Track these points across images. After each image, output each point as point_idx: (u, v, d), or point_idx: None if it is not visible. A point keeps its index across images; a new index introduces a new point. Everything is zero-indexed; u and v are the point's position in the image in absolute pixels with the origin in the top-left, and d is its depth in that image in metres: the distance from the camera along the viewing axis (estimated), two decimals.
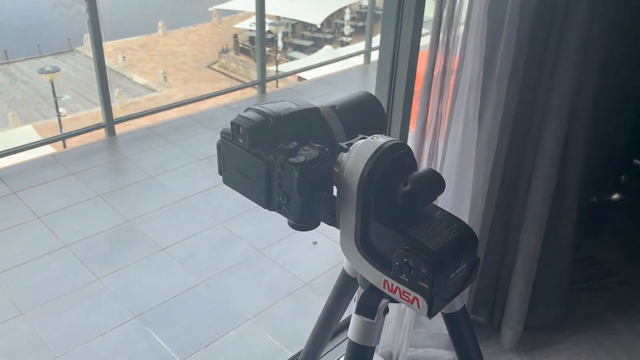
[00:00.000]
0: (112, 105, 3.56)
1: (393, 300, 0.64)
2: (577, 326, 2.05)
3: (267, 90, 4.20)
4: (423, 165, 1.63)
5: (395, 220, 0.60)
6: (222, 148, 0.66)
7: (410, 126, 2.36)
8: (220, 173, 0.69)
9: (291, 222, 0.66)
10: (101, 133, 3.45)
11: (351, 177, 0.60)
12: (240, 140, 0.62)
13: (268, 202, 0.64)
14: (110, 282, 2.30)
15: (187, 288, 2.28)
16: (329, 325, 0.81)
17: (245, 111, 0.64)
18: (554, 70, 1.66)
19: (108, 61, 3.34)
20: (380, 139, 0.61)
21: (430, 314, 0.58)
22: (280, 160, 0.60)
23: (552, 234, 1.96)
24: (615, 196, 2.85)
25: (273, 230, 2.65)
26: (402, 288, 0.60)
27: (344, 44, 17.04)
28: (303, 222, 0.62)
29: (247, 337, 2.07)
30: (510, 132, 1.71)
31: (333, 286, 0.78)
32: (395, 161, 0.60)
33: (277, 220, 2.46)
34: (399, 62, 1.62)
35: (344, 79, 4.53)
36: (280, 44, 15.57)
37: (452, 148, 1.61)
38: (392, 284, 0.61)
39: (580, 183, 1.98)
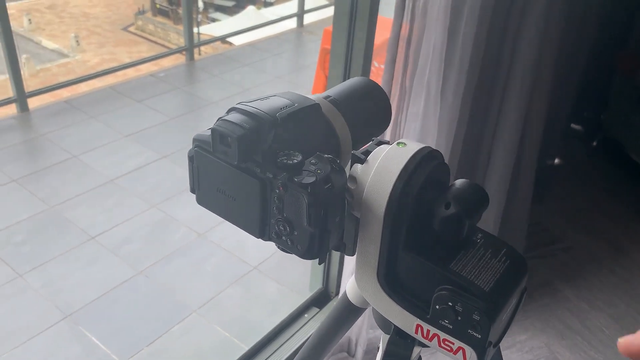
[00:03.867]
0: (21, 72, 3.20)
1: (424, 345, 0.51)
2: (529, 295, 2.04)
3: (196, 56, 3.93)
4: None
5: (432, 250, 0.47)
6: (197, 161, 0.50)
7: None
8: (192, 191, 0.53)
9: (279, 246, 0.51)
10: (12, 108, 3.09)
11: (375, 199, 0.46)
12: (225, 152, 0.47)
13: (262, 231, 0.49)
14: (33, 279, 2.06)
15: (123, 280, 2.08)
16: (320, 356, 0.67)
17: (229, 113, 0.48)
18: (517, 41, 1.57)
19: (12, 24, 2.95)
20: (409, 146, 0.48)
21: None
22: (282, 179, 0.45)
23: (510, 208, 1.92)
24: (557, 161, 2.89)
25: None
26: (443, 336, 0.47)
27: (267, 4, 16.55)
28: (311, 256, 0.48)
29: (194, 330, 1.92)
30: (471, 106, 1.62)
31: (329, 314, 0.65)
32: (431, 176, 0.46)
33: None
34: (356, 27, 1.47)
35: (278, 44, 4.32)
36: (200, 4, 14.90)
37: (413, 124, 1.50)
38: (429, 331, 0.48)
39: (536, 158, 1.94)
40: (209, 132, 0.49)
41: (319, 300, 1.96)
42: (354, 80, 0.60)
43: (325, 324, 0.65)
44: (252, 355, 1.76)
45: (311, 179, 0.44)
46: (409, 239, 0.47)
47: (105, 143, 2.90)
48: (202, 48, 4.78)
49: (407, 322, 0.49)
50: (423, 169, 0.46)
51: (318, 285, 1.97)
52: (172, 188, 2.60)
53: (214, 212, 0.52)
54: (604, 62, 2.73)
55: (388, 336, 0.52)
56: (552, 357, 1.86)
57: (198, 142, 0.50)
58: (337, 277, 1.94)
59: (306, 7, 4.51)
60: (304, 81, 3.77)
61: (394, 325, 0.51)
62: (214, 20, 15.67)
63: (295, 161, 0.46)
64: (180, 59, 3.92)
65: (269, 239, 0.50)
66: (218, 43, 5.02)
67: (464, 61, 1.47)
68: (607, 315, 2.03)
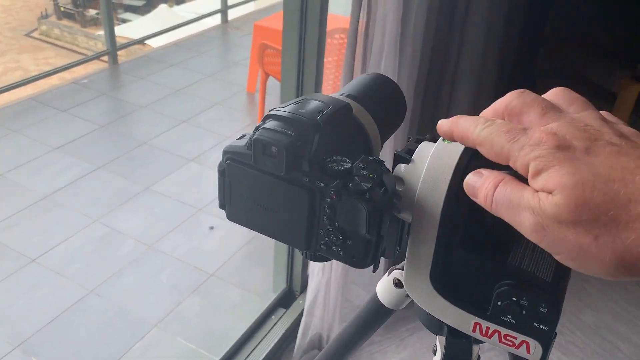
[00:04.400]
0: None
1: (480, 342, 0.50)
2: None
3: (120, 59, 3.75)
4: None
5: (487, 246, 0.46)
6: (230, 174, 0.47)
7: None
8: (221, 207, 0.49)
9: (310, 254, 0.49)
10: None
11: (430, 199, 0.45)
12: (270, 163, 0.43)
13: (308, 243, 0.46)
14: None
15: (74, 302, 1.96)
16: (345, 356, 0.66)
17: (266, 121, 0.45)
18: (465, 27, 1.60)
19: None
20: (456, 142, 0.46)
21: (545, 359, 0.46)
22: (335, 187, 0.42)
23: None
24: None
25: (160, 220, 2.38)
26: (505, 332, 0.46)
27: (179, 1, 16.12)
28: (367, 264, 0.45)
29: (157, 346, 1.84)
30: (424, 95, 1.64)
31: (358, 316, 0.63)
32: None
33: (163, 208, 2.21)
34: (307, 20, 1.45)
35: (204, 41, 4.20)
36: None
37: None
38: (489, 328, 0.47)
39: None
40: (242, 143, 0.46)
41: (285, 300, 1.93)
42: (368, 77, 0.58)
43: (354, 325, 0.63)
44: None
45: (367, 185, 0.42)
46: (464, 237, 0.46)
47: (34, 158, 2.71)
48: (124, 52, 4.57)
49: (463, 321, 0.48)
50: (475, 164, 0.45)
51: (282, 286, 1.94)
52: (113, 199, 2.47)
53: (249, 227, 0.49)
54: (530, 42, 2.86)
55: (443, 337, 0.50)
56: None
57: (230, 154, 0.46)
58: (301, 275, 1.91)
59: (228, 2, 4.41)
60: (236, 78, 3.69)
61: (447, 325, 0.50)
62: (124, 21, 15.10)
63: (346, 167, 0.43)
64: (101, 64, 3.73)
65: (315, 251, 0.47)
66: (137, 45, 4.82)
67: (416, 50, 1.48)
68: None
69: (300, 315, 1.85)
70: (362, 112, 0.51)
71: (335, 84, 2.13)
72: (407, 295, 0.59)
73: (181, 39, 4.23)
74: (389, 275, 0.59)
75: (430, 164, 0.45)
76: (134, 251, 2.20)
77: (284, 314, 1.89)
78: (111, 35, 3.59)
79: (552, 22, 2.98)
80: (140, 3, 16.61)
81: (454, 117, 0.42)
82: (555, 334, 0.45)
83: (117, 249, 2.22)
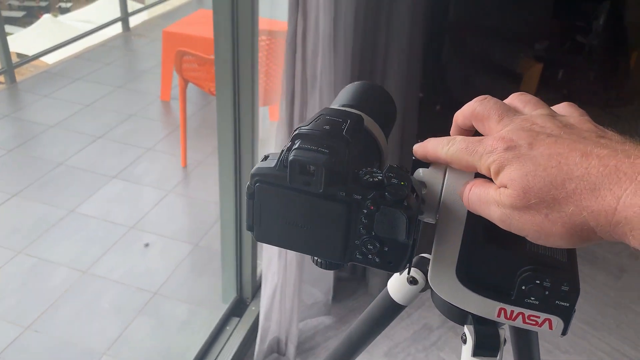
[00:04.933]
0: None
1: (500, 325, 0.54)
2: None
3: (17, 77, 3.51)
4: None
5: (506, 237, 0.49)
6: (260, 196, 0.47)
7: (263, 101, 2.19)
8: (249, 229, 0.49)
9: (321, 261, 0.51)
10: None
11: (456, 200, 0.47)
12: (307, 182, 0.44)
13: (343, 254, 0.48)
14: None
15: (9, 342, 1.83)
16: (355, 352, 0.68)
17: (295, 141, 0.45)
18: (390, 22, 1.66)
19: None
20: None
21: (566, 332, 0.50)
22: (372, 198, 0.44)
23: None
24: None
25: (91, 243, 2.27)
26: (529, 313, 0.50)
27: (63, 10, 15.28)
28: (403, 268, 0.47)
29: None
30: None
31: (369, 312, 0.65)
32: None
33: (92, 230, 2.13)
34: (240, 23, 1.44)
35: (107, 52, 4.01)
36: None
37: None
38: (513, 311, 0.50)
39: (415, 132, 2.07)
40: (270, 164, 0.46)
41: (237, 309, 1.92)
42: (359, 86, 0.60)
43: (365, 321, 0.65)
44: None
45: (404, 194, 0.44)
46: (486, 232, 0.49)
47: None
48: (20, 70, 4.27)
49: (488, 309, 0.51)
50: None
51: (232, 295, 1.92)
52: (35, 228, 2.32)
53: (279, 245, 0.49)
54: (438, 32, 2.99)
55: (470, 326, 0.53)
56: None
57: (260, 176, 0.46)
58: (251, 282, 1.90)
59: (130, 9, 4.25)
60: (148, 87, 3.57)
61: (471, 314, 0.53)
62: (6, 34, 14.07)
63: (380, 178, 0.45)
64: None
65: (350, 261, 0.48)
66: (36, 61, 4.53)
67: (347, 48, 1.52)
68: None
69: (255, 321, 1.84)
70: (370, 121, 0.53)
71: (267, 86, 2.12)
72: (421, 291, 0.62)
73: (81, 50, 4.03)
74: (401, 273, 0.61)
75: (450, 168, 0.48)
76: (68, 279, 2.09)
77: (238, 322, 1.87)
78: (5, 51, 3.34)
79: (455, 9, 3.14)
80: (20, 14, 15.58)
81: (424, 141, 0.49)
82: (575, 309, 0.50)
83: (49, 279, 2.09)
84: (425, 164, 0.50)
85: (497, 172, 0.41)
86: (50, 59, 4.14)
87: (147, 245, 2.29)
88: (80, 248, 2.24)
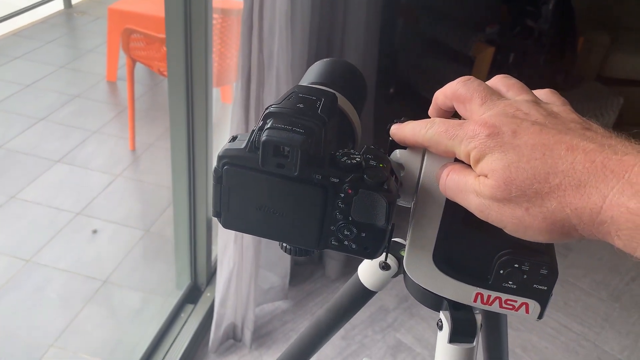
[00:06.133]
0: None
1: (476, 311, 0.53)
2: None
3: None
4: (252, 124, 1.46)
5: (485, 220, 0.48)
6: (228, 180, 0.43)
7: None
8: (216, 215, 0.46)
9: (290, 247, 0.48)
10: None
11: (435, 182, 0.45)
12: (280, 164, 0.41)
13: (318, 241, 0.45)
14: None
15: None
16: (324, 339, 0.66)
17: (268, 120, 0.42)
18: (347, 4, 1.63)
19: None
20: None
21: (542, 316, 0.50)
22: (351, 181, 0.42)
23: None
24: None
25: (35, 230, 2.17)
26: (506, 297, 0.49)
27: None
28: (380, 254, 0.45)
29: None
30: None
31: (339, 298, 0.63)
32: None
33: (36, 217, 2.04)
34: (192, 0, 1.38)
35: (49, 29, 3.80)
36: None
37: (270, 97, 1.48)
38: (490, 296, 0.49)
39: (372, 114, 2.06)
40: (239, 145, 0.43)
41: (191, 295, 1.87)
42: (328, 63, 0.57)
43: (334, 307, 0.63)
44: None
45: (384, 177, 0.42)
46: (465, 215, 0.47)
47: None
48: None
49: (464, 293, 0.50)
50: None
51: (187, 282, 1.87)
52: None
53: (249, 232, 0.46)
54: (390, 14, 2.98)
55: (447, 312, 0.52)
56: None
57: (229, 158, 0.43)
58: (206, 269, 1.86)
59: None
60: (92, 67, 3.42)
61: (447, 300, 0.52)
62: None
63: (358, 160, 0.42)
64: None
65: (325, 247, 0.46)
66: None
67: (304, 27, 1.48)
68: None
69: (211, 308, 1.80)
70: (342, 100, 0.51)
71: (220, 67, 2.06)
72: (393, 277, 0.60)
73: (19, 27, 3.81)
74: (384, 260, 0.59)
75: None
76: (11, 268, 1.98)
77: (192, 310, 1.83)
78: None
79: None
80: None
81: (402, 124, 0.46)
82: (552, 292, 0.49)
83: None
84: (402, 146, 0.48)
85: (478, 160, 0.39)
86: None
87: (95, 231, 2.20)
88: (23, 236, 2.13)
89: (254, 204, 0.44)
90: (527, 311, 0.49)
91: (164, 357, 1.67)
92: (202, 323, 1.79)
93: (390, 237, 0.45)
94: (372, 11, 1.71)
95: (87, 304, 1.89)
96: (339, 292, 0.63)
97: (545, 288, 0.48)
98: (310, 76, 0.55)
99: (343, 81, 0.54)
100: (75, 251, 2.10)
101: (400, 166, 0.47)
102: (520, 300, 0.49)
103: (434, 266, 0.49)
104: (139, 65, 2.58)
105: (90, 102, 3.09)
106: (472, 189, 0.40)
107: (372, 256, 0.45)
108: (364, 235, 0.44)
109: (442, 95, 0.45)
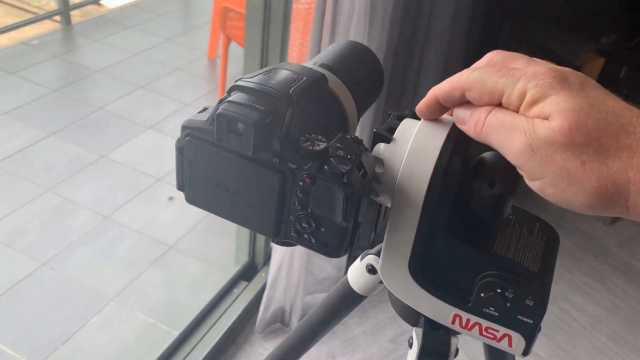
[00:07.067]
0: None
1: (456, 334, 0.47)
2: None
3: (73, 20, 3.56)
4: None
5: (472, 233, 0.43)
6: (190, 152, 0.42)
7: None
8: (179, 188, 0.44)
9: (276, 240, 0.45)
10: None
11: (413, 183, 0.41)
12: (235, 141, 0.38)
13: (276, 230, 0.42)
14: None
15: (25, 275, 1.88)
16: (310, 342, 0.62)
17: (231, 93, 0.40)
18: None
19: None
20: (444, 119, 0.42)
21: (527, 352, 0.43)
22: (309, 170, 0.38)
23: None
24: None
25: (117, 190, 2.30)
26: (486, 324, 0.43)
27: None
28: (342, 253, 0.42)
29: (114, 320, 1.78)
30: (393, 64, 1.60)
31: (327, 300, 0.59)
32: (473, 152, 0.42)
33: (120, 177, 2.12)
34: None
35: (163, 3, 4.00)
36: None
37: None
38: (469, 320, 0.44)
39: None
40: (204, 117, 0.41)
41: (247, 273, 1.89)
42: (344, 45, 0.53)
43: (323, 309, 0.60)
44: (183, 340, 1.68)
45: (345, 168, 0.38)
46: (448, 223, 0.42)
47: None
48: (78, 13, 4.34)
49: (442, 313, 0.45)
50: (462, 148, 0.41)
51: (244, 259, 1.90)
52: (66, 168, 2.36)
53: (211, 211, 0.44)
54: (496, 14, 2.83)
55: (420, 329, 0.47)
56: None
57: (190, 129, 0.41)
58: (264, 248, 1.88)
59: None
60: (196, 43, 3.56)
61: (424, 317, 0.47)
62: None
63: (322, 147, 0.39)
64: (53, 25, 3.53)
65: (285, 238, 0.43)
66: (92, 5, 4.58)
67: (386, 16, 1.43)
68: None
69: (263, 288, 1.81)
70: (338, 84, 0.47)
71: (301, 52, 2.05)
72: (381, 282, 0.56)
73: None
74: (362, 260, 0.55)
75: (414, 144, 0.41)
76: (89, 223, 2.12)
77: (246, 287, 1.85)
78: None
79: None
80: None
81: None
82: (540, 327, 0.43)
83: (71, 220, 2.13)
84: (387, 139, 0.43)
85: (537, 100, 0.34)
86: (111, 4, 4.16)
87: (171, 199, 2.29)
88: (106, 193, 2.27)
89: (214, 181, 0.42)
90: (510, 344, 0.44)
91: (210, 328, 1.71)
92: (252, 302, 1.81)
93: (354, 236, 0.41)
94: (462, 7, 1.62)
95: (151, 265, 1.97)
96: (330, 292, 0.59)
97: (531, 321, 0.42)
98: (319, 56, 0.52)
99: (351, 66, 0.50)
100: (150, 215, 2.20)
101: (381, 161, 0.43)
102: (503, 330, 0.43)
103: (410, 276, 0.45)
104: (236, 45, 2.64)
105: (189, 75, 3.21)
106: (521, 127, 0.34)
107: (333, 254, 0.42)
108: (323, 230, 0.40)
109: (455, 83, 0.38)
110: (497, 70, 0.37)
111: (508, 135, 0.35)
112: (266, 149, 0.39)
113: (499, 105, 0.37)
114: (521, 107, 0.35)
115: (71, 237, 2.04)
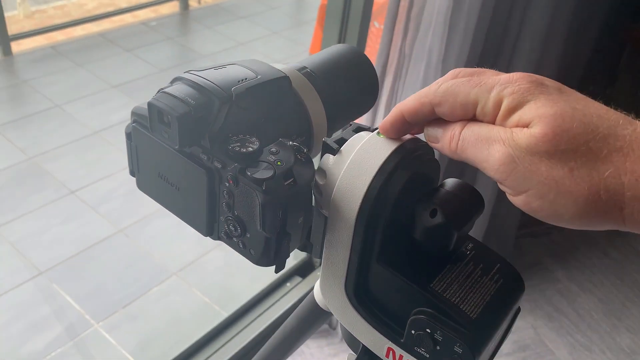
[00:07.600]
0: (15, 13, 3.06)
1: None
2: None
3: (190, 5, 3.77)
4: (379, 114, 1.42)
5: (411, 264, 0.39)
6: (136, 139, 0.42)
7: None
8: (131, 174, 0.45)
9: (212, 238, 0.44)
10: None
11: (345, 200, 0.38)
12: (165, 133, 0.38)
13: (210, 229, 0.41)
14: (8, 233, 1.99)
15: (102, 239, 2.01)
16: (283, 357, 0.61)
17: (173, 83, 0.39)
18: (527, 10, 1.46)
19: None
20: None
21: None
22: (232, 171, 0.37)
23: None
24: None
25: None
26: None
27: None
28: (267, 263, 0.40)
29: (173, 293, 1.87)
30: None
31: (295, 315, 0.57)
32: (416, 174, 0.38)
33: None
34: None
35: None
36: None
37: (410, 92, 1.40)
38: (402, 356, 0.40)
39: None
40: None
41: (303, 269, 1.90)
42: (335, 48, 0.51)
43: (290, 325, 0.58)
44: (231, 323, 1.71)
45: (268, 173, 0.36)
46: (383, 248, 0.39)
47: (91, 93, 2.78)
48: None
49: (377, 343, 0.42)
50: (406, 168, 0.38)
51: (302, 255, 1.91)
52: None
53: (156, 200, 0.44)
54: (615, 36, 2.62)
55: (354, 356, 0.44)
56: (538, 339, 1.82)
57: (137, 116, 0.41)
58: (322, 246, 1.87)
59: None
60: (302, 38, 3.63)
61: (362, 344, 0.44)
62: None
63: (250, 149, 0.37)
64: (174, 7, 3.76)
65: (219, 239, 0.42)
66: None
67: (469, 28, 1.36)
68: (597, 299, 1.98)
69: None
70: (306, 88, 0.45)
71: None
72: None
73: None
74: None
75: (353, 159, 0.39)
76: None
77: (299, 282, 1.86)
78: None
79: None
80: None
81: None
82: None
83: None
84: (334, 150, 0.41)
85: (515, 108, 0.31)
86: None
87: None
88: None
89: (156, 171, 0.42)
90: None
91: (257, 317, 1.73)
92: (303, 298, 1.81)
93: (282, 246, 0.39)
94: (557, 24, 1.50)
95: (216, 248, 2.04)
96: (297, 308, 0.57)
97: None
98: (308, 57, 0.50)
99: (330, 71, 0.48)
100: None
101: (324, 172, 0.40)
102: None
103: (346, 298, 0.42)
104: None
105: None
106: (499, 138, 0.31)
107: (259, 262, 0.40)
108: (248, 235, 0.39)
109: (422, 98, 0.36)
110: (467, 81, 0.34)
111: (486, 148, 0.32)
112: (196, 144, 0.38)
113: (473, 118, 0.34)
114: (497, 117, 0.32)
115: (150, 209, 2.16)
